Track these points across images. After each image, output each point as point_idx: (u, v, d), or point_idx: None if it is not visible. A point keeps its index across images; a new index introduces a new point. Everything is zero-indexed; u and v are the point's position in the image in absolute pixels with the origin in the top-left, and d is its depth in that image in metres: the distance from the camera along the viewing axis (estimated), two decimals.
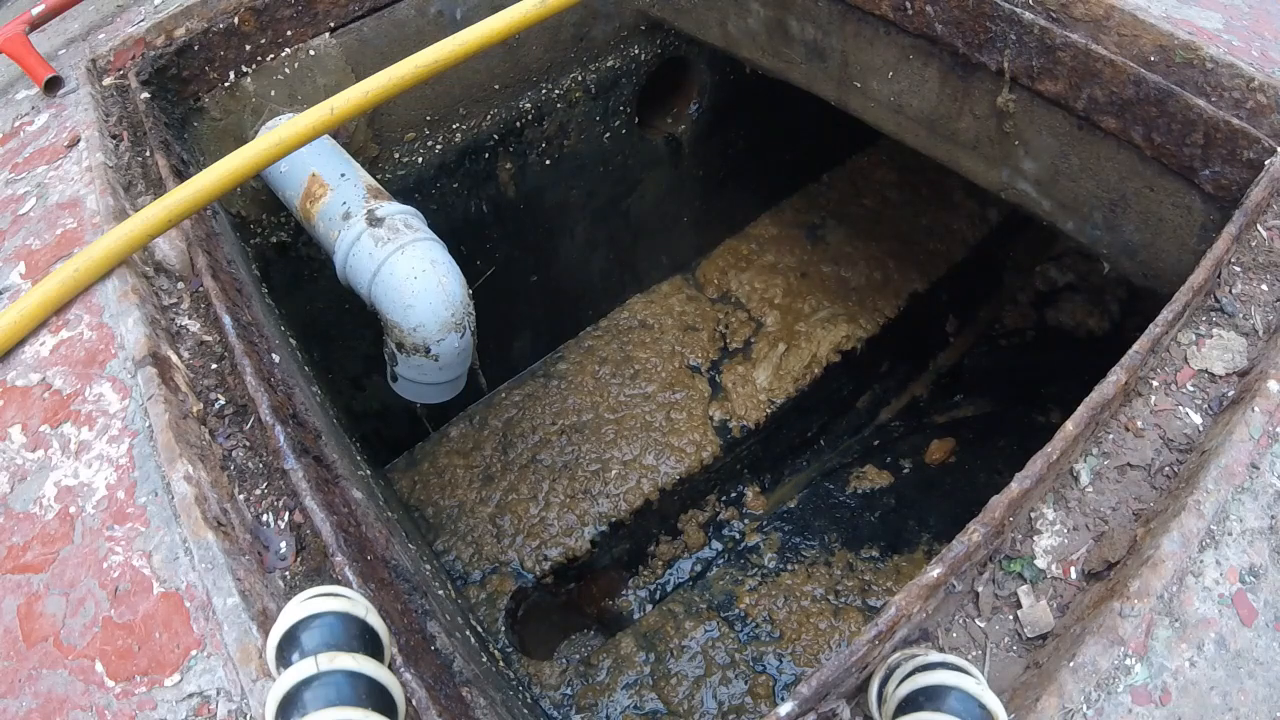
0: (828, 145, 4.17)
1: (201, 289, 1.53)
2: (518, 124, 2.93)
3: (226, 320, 1.42)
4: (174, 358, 1.38)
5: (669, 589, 3.28)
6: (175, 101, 2.18)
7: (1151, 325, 1.28)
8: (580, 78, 2.99)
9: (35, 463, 1.29)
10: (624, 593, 3.28)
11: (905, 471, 3.55)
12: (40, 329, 1.45)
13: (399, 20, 2.47)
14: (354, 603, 1.00)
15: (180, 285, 1.55)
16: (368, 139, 2.58)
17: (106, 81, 2.06)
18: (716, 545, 3.38)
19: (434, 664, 1.28)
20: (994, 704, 0.92)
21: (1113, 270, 1.98)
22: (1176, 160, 1.64)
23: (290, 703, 0.90)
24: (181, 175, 1.78)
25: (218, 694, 1.03)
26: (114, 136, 1.89)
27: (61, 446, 1.30)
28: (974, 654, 1.09)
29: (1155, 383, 1.30)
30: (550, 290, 3.50)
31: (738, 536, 3.39)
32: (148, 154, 1.87)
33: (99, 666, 1.08)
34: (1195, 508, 1.08)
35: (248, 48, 2.24)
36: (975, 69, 1.90)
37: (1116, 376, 1.22)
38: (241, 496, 1.24)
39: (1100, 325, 3.87)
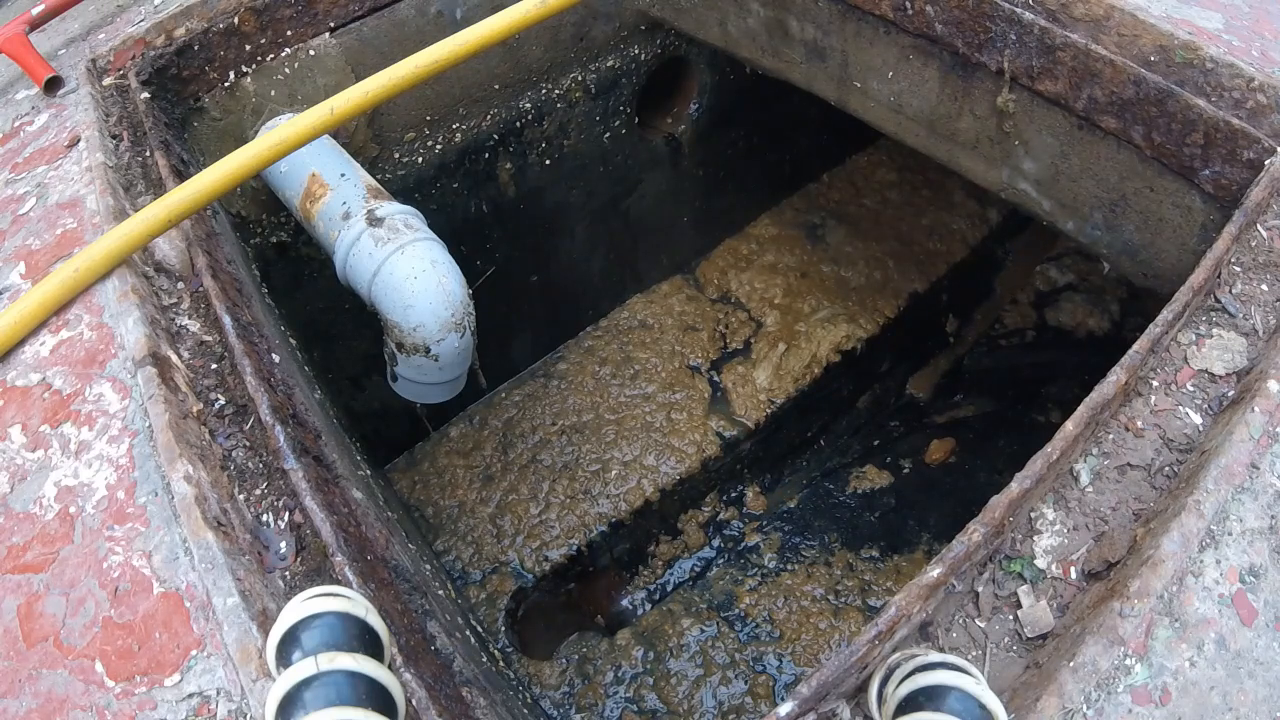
0: (828, 145, 4.17)
1: (201, 289, 1.53)
2: (518, 124, 2.93)
3: (226, 320, 1.42)
4: (174, 358, 1.38)
5: (669, 589, 3.28)
6: (175, 101, 2.18)
7: (1151, 325, 1.28)
8: (580, 78, 2.99)
9: (35, 463, 1.29)
10: (624, 593, 3.28)
11: (905, 471, 3.55)
12: (40, 329, 1.45)
13: (399, 20, 2.47)
14: (354, 603, 1.00)
15: (180, 285, 1.55)
16: (368, 139, 2.58)
17: (106, 81, 2.06)
18: (716, 545, 3.38)
19: (434, 664, 1.28)
20: (994, 704, 0.92)
21: (1113, 270, 1.98)
22: (1176, 160, 1.64)
23: (290, 702, 0.90)
24: (181, 175, 1.78)
25: (218, 694, 1.03)
26: (114, 136, 1.89)
27: (61, 446, 1.30)
28: (974, 654, 1.09)
29: (1155, 383, 1.30)
30: (550, 290, 3.50)
31: (738, 536, 3.39)
32: (148, 154, 1.87)
33: (99, 666, 1.08)
34: (1195, 508, 1.08)
35: (248, 48, 2.24)
36: (975, 69, 1.90)
37: (1116, 376, 1.22)
38: (241, 496, 1.24)
39: (1100, 325, 3.87)
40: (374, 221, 2.01)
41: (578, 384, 3.57)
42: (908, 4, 1.94)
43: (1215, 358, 1.31)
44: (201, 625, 1.08)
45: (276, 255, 2.58)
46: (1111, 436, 1.26)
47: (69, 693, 1.06)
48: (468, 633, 1.98)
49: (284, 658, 0.96)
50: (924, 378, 3.95)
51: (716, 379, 3.56)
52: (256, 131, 2.34)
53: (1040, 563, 1.15)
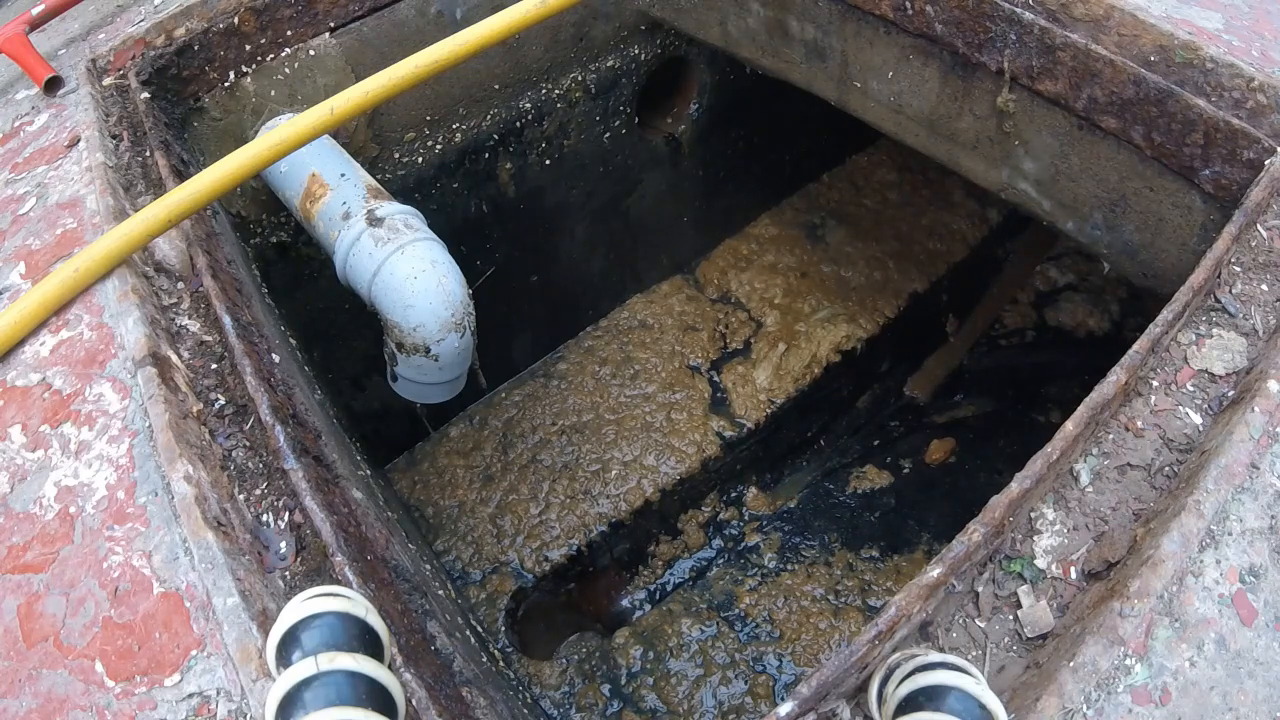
0: (828, 145, 4.17)
1: (201, 289, 1.53)
2: (518, 124, 2.93)
3: (226, 320, 1.42)
4: (174, 358, 1.38)
5: (669, 589, 3.28)
6: (175, 101, 2.18)
7: (1151, 325, 1.28)
8: (580, 78, 2.99)
9: (35, 463, 1.29)
10: (624, 593, 3.28)
11: (905, 471, 3.55)
12: (40, 329, 1.45)
13: (399, 20, 2.47)
14: (354, 603, 1.00)
15: (180, 285, 1.55)
16: (368, 139, 2.58)
17: (106, 81, 2.06)
18: (716, 545, 3.38)
19: (434, 664, 1.28)
20: (994, 704, 0.92)
21: (1113, 270, 1.98)
22: (1176, 160, 1.64)
23: (290, 702, 0.90)
24: (181, 175, 1.78)
25: (218, 694, 1.03)
26: (114, 136, 1.89)
27: (61, 446, 1.30)
28: (974, 654, 1.09)
29: (1155, 383, 1.30)
30: (550, 290, 3.50)
31: (738, 536, 3.39)
32: (148, 154, 1.87)
33: (99, 666, 1.08)
34: (1195, 508, 1.08)
35: (248, 48, 2.24)
36: (975, 69, 1.90)
37: (1116, 376, 1.22)
38: (241, 496, 1.24)
39: (1100, 325, 3.87)
40: (374, 221, 2.01)
41: (578, 384, 3.57)
42: (908, 4, 1.94)
43: (1215, 358, 1.31)
44: (201, 625, 1.08)
45: (276, 255, 2.58)
46: (1111, 436, 1.26)
47: (69, 693, 1.06)
48: (468, 633, 1.98)
49: (284, 658, 0.96)
50: (919, 380, 3.95)
51: (716, 379, 3.56)
52: (256, 131, 2.34)
53: (1040, 563, 1.15)
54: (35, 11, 2.22)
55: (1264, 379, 1.21)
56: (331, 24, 2.35)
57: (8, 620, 1.14)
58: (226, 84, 2.25)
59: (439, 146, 2.78)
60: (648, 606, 3.23)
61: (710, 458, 3.31)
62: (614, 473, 3.27)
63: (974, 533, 1.09)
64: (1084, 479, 1.22)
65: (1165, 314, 1.29)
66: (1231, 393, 1.27)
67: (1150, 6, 1.67)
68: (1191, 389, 1.29)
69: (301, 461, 1.25)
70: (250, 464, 1.29)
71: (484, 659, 2.00)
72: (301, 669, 0.92)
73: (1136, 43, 1.64)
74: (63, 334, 1.44)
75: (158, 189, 1.77)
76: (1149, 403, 1.28)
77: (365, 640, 0.99)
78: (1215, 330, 1.34)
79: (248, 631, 1.05)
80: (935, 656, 1.00)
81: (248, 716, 1.01)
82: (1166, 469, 1.21)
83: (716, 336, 3.71)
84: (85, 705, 1.05)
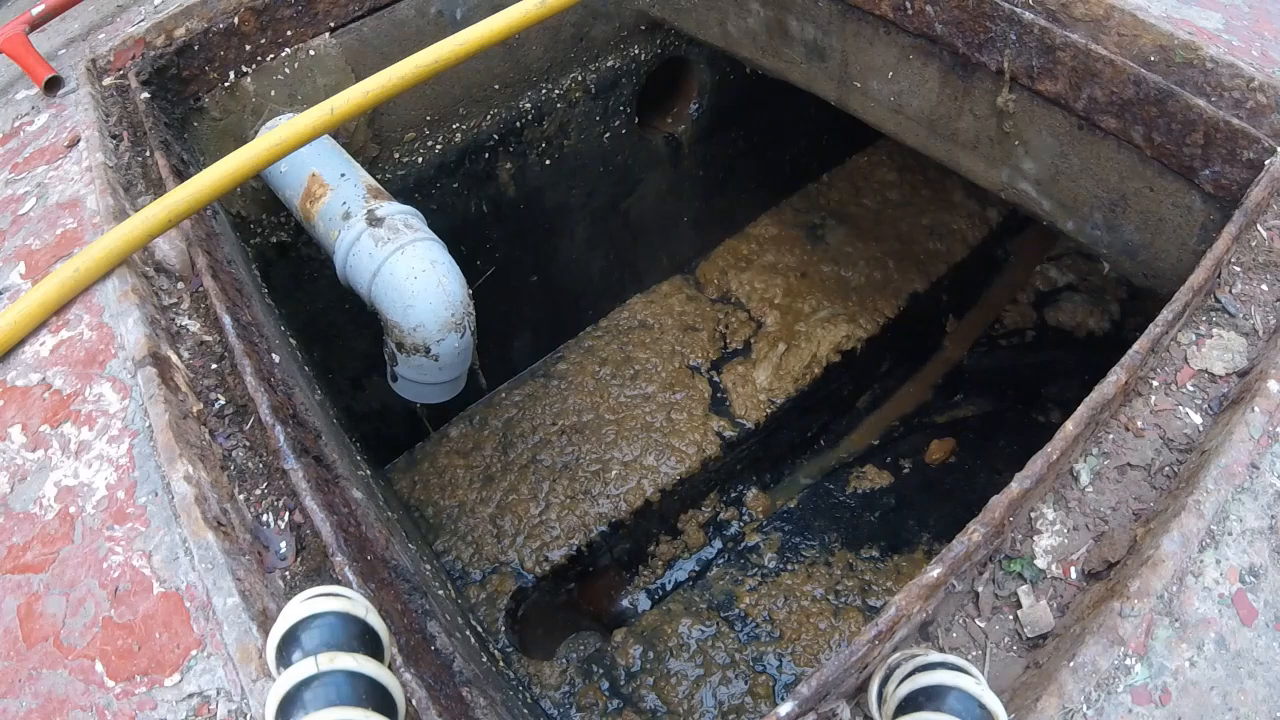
0: (828, 145, 4.17)
1: (201, 289, 1.53)
2: (518, 124, 2.93)
3: (226, 320, 1.42)
4: (174, 358, 1.38)
5: (669, 589, 3.28)
6: (175, 101, 2.18)
7: (1151, 325, 1.28)
8: (580, 78, 2.99)
9: (35, 463, 1.29)
10: (624, 593, 3.28)
11: (905, 471, 3.55)
12: (40, 329, 1.45)
13: (399, 20, 2.47)
14: (354, 603, 1.00)
15: (180, 285, 1.55)
16: (368, 139, 2.58)
17: (106, 81, 2.06)
18: (716, 545, 3.38)
19: (434, 664, 1.28)
20: (994, 704, 0.92)
21: (1113, 270, 1.98)
22: (1176, 160, 1.64)
23: (290, 702, 0.90)
24: (181, 175, 1.78)
25: (218, 694, 1.03)
26: (114, 136, 1.89)
27: (61, 446, 1.30)
28: (974, 654, 1.09)
29: (1155, 383, 1.30)
30: (550, 290, 3.50)
31: (738, 536, 3.39)
32: (148, 154, 1.87)
33: (99, 666, 1.08)
34: (1195, 508, 1.08)
35: (248, 48, 2.24)
36: (975, 69, 1.90)
37: (1116, 376, 1.22)
38: (241, 496, 1.24)
39: (1100, 325, 3.87)
40: (374, 221, 2.01)
41: (578, 384, 3.57)
42: (908, 4, 1.94)
43: (1215, 358, 1.31)
44: (201, 625, 1.08)
45: (276, 255, 2.58)
46: (1111, 436, 1.26)
47: (69, 693, 1.06)
48: (468, 633, 1.99)
49: (284, 658, 0.96)
50: (923, 378, 3.95)
51: (716, 379, 3.56)
52: (256, 131, 2.34)
53: (1040, 563, 1.15)
54: (35, 11, 2.22)
55: (1264, 379, 1.21)
56: (331, 24, 2.35)
57: (8, 620, 1.14)
58: (226, 84, 2.25)
59: (439, 146, 2.78)
60: (648, 606, 3.23)
61: (710, 458, 3.31)
62: (614, 473, 3.27)
63: (974, 533, 1.09)
64: (1084, 479, 1.22)
65: (1165, 314, 1.29)
66: (1231, 393, 1.27)
67: (1150, 6, 1.67)
68: (1191, 389, 1.29)
69: (301, 461, 1.25)
70: (250, 464, 1.29)
71: (484, 659, 2.00)
72: (301, 669, 0.92)
73: (1136, 43, 1.64)
74: (63, 334, 1.44)
75: (158, 189, 1.77)
76: (1149, 403, 1.28)
77: (365, 640, 0.99)
78: (1215, 330, 1.34)
79: (248, 631, 1.05)
80: (935, 656, 1.00)
81: (248, 716, 1.01)
82: (1166, 469, 1.21)
83: (716, 336, 3.71)
84: (85, 705, 1.05)
